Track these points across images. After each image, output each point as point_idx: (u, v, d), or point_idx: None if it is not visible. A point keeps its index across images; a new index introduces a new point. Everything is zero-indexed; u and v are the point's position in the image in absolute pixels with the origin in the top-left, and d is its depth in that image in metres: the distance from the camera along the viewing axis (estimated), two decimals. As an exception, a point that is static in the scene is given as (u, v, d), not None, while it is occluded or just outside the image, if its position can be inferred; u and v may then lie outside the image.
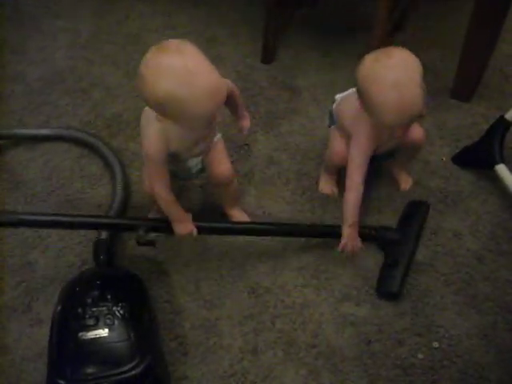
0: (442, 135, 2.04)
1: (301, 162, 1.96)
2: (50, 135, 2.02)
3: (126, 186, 1.85)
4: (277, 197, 1.87)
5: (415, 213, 1.78)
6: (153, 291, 1.62)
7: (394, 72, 1.39)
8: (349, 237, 1.62)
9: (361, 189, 1.59)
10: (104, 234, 1.68)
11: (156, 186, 1.50)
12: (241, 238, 1.75)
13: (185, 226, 1.56)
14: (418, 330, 1.57)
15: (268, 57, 2.26)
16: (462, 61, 2.06)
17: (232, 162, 1.83)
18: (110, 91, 2.19)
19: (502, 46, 2.26)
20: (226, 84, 1.38)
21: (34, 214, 1.61)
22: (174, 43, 1.27)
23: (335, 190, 1.87)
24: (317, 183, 1.89)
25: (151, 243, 1.57)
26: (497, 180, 1.83)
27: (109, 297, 1.44)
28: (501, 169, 1.81)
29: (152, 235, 1.56)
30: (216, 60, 1.32)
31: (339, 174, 1.86)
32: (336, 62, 2.30)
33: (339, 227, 1.64)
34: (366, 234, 1.68)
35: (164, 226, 1.57)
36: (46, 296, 1.64)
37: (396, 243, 1.70)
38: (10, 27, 2.47)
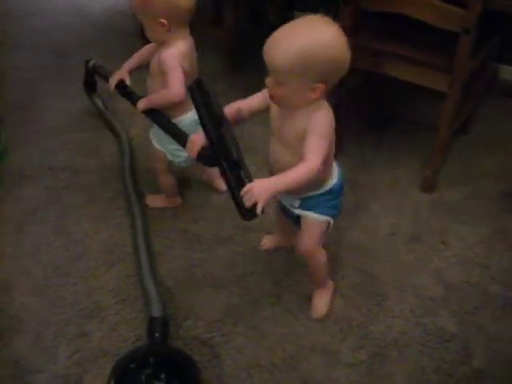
0: (503, 239, 2.04)
1: (359, 258, 1.97)
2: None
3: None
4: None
5: None
6: (203, 374, 1.61)
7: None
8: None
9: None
10: (157, 312, 1.69)
11: None
12: (297, 329, 1.75)
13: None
14: None
15: (335, 149, 2.30)
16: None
17: (291, 252, 1.87)
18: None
19: None
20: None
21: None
22: None
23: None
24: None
25: None
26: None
27: (162, 376, 1.45)
28: None
29: None
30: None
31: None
32: (399, 161, 2.34)
33: None
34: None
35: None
36: (99, 368, 1.65)
37: None
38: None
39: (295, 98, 1.40)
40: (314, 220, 1.61)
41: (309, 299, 1.83)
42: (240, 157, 1.44)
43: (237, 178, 1.41)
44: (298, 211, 1.63)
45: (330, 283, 1.83)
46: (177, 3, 1.73)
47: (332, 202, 1.61)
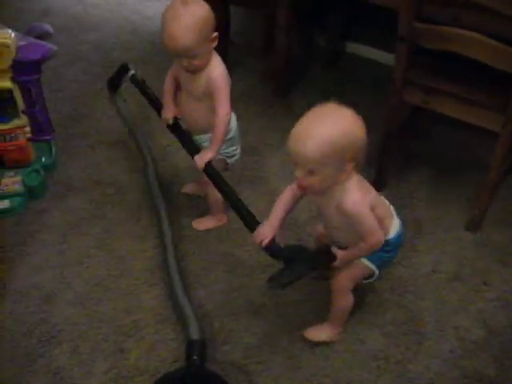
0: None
1: (401, 295, 1.95)
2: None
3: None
4: (374, 322, 1.86)
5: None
6: (239, 401, 1.62)
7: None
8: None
9: None
10: (196, 335, 1.70)
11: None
12: (334, 362, 1.75)
13: (164, 111, 1.96)
14: None
15: (379, 184, 2.29)
16: None
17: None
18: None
19: None
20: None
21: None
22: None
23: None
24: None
25: None
26: None
27: (198, 399, 1.46)
28: None
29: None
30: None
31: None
32: (445, 198, 2.31)
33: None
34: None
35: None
36: (134, 387, 1.66)
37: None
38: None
39: (327, 184, 1.47)
40: (361, 262, 1.63)
41: (348, 332, 1.83)
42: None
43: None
44: None
45: (339, 332, 1.82)
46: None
47: (386, 254, 1.64)
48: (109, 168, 2.43)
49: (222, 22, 2.79)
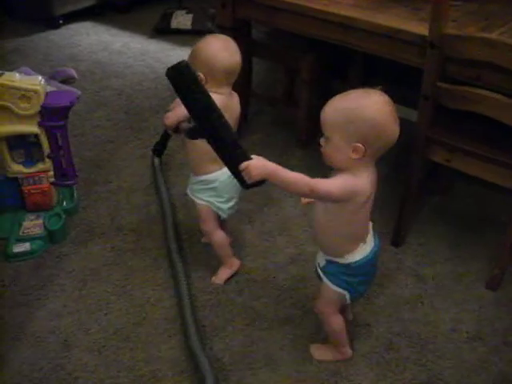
0: None
1: (419, 352, 1.92)
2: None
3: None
4: (393, 380, 1.83)
5: None
6: None
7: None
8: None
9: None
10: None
11: None
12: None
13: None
14: None
15: (398, 240, 2.30)
16: None
17: (352, 341, 1.86)
18: (243, 248, 2.29)
19: None
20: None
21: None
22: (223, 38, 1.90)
23: None
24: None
25: None
26: None
27: None
28: None
29: None
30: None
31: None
32: (464, 255, 2.31)
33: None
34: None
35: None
36: None
37: None
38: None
39: (337, 156, 1.49)
40: (329, 286, 1.70)
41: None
42: (235, 137, 1.50)
43: (235, 155, 1.49)
44: (320, 271, 1.73)
45: (347, 352, 1.87)
46: (213, 63, 1.84)
47: (348, 279, 1.67)
48: (130, 215, 2.45)
49: (244, 73, 2.85)
